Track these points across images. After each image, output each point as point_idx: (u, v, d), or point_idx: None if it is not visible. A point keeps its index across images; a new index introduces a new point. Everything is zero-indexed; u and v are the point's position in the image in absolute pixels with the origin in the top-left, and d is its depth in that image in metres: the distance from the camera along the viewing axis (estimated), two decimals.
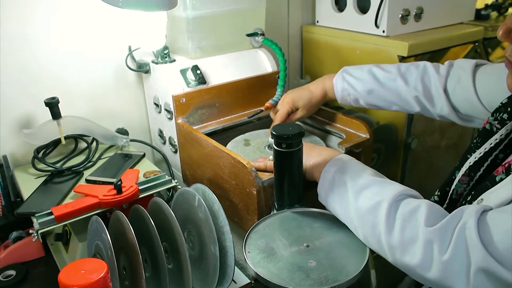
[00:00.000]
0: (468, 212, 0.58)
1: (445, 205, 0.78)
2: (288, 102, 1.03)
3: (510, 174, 0.62)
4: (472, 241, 0.55)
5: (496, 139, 0.72)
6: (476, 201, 0.65)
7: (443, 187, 0.78)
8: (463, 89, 0.88)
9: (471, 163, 0.73)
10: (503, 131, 0.71)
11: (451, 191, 0.76)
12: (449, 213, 0.63)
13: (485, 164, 0.71)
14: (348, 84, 0.98)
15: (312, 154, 0.81)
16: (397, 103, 0.96)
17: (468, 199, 0.70)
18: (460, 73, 0.88)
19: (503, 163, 0.65)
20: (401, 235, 0.62)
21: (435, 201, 0.80)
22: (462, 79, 0.88)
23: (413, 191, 0.68)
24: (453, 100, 0.90)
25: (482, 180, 0.70)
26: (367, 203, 0.67)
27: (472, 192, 0.69)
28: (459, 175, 0.75)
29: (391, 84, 0.95)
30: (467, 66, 0.88)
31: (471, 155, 0.74)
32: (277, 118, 1.02)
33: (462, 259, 0.56)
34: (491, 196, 0.63)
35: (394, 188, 0.68)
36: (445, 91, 0.90)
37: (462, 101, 0.89)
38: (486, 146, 0.72)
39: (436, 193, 0.80)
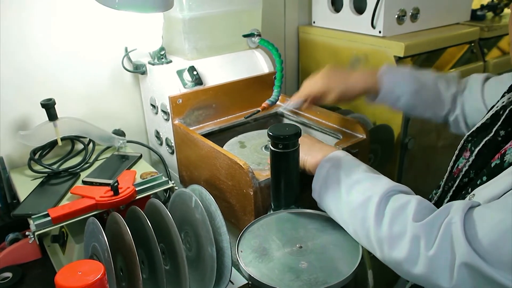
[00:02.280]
0: (455, 208, 0.59)
1: (444, 178, 0.80)
2: (322, 86, 0.96)
3: (504, 163, 0.63)
4: (457, 237, 0.56)
5: (493, 111, 0.73)
6: (468, 197, 0.66)
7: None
8: (473, 99, 0.92)
9: (468, 134, 0.76)
10: (499, 104, 0.73)
11: (451, 163, 0.78)
12: (446, 189, 0.65)
13: (485, 140, 0.71)
14: (394, 83, 0.96)
15: (313, 149, 0.82)
16: (434, 107, 0.96)
17: (464, 180, 0.71)
18: (472, 84, 0.94)
19: (500, 150, 0.66)
20: (389, 229, 0.63)
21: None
22: (473, 89, 0.93)
23: (404, 187, 0.69)
24: (465, 108, 0.94)
25: (481, 158, 0.71)
26: (358, 197, 0.68)
27: (471, 171, 0.70)
28: (459, 148, 0.77)
29: (434, 86, 0.96)
30: (479, 77, 0.94)
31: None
32: (303, 92, 0.98)
33: (447, 255, 0.56)
34: (482, 192, 0.63)
35: (386, 183, 0.69)
36: (461, 100, 0.94)
37: (472, 110, 0.92)
38: (484, 118, 0.75)
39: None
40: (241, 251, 0.68)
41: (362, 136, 1.00)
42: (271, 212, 0.82)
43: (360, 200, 0.68)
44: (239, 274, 0.86)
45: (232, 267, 0.80)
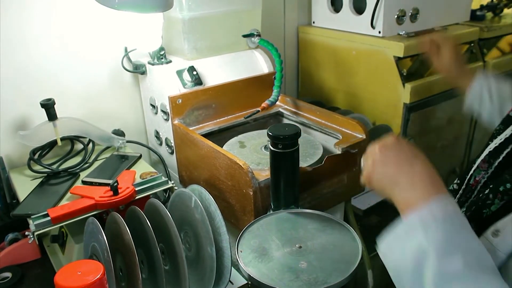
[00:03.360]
0: None
1: (460, 191, 0.78)
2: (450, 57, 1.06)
3: None
4: None
5: None
6: (490, 232, 0.59)
7: (463, 174, 0.78)
8: None
9: (491, 149, 0.74)
10: None
11: (468, 176, 0.76)
12: (463, 200, 0.63)
13: (505, 152, 0.71)
14: (481, 89, 1.00)
15: (401, 179, 0.61)
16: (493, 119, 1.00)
17: (485, 192, 0.66)
18: None
19: None
20: None
21: (453, 189, 0.81)
22: None
23: None
24: None
25: (501, 169, 0.69)
26: None
27: (490, 186, 0.66)
28: (478, 161, 0.75)
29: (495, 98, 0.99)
30: None
31: (492, 141, 0.75)
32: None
33: None
34: (508, 227, 0.58)
35: None
36: None
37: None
38: (507, 132, 0.73)
39: (455, 181, 0.80)
40: (241, 251, 0.69)
41: (361, 136, 1.00)
42: (271, 212, 0.82)
43: None
44: (239, 274, 0.87)
45: (232, 267, 0.80)
